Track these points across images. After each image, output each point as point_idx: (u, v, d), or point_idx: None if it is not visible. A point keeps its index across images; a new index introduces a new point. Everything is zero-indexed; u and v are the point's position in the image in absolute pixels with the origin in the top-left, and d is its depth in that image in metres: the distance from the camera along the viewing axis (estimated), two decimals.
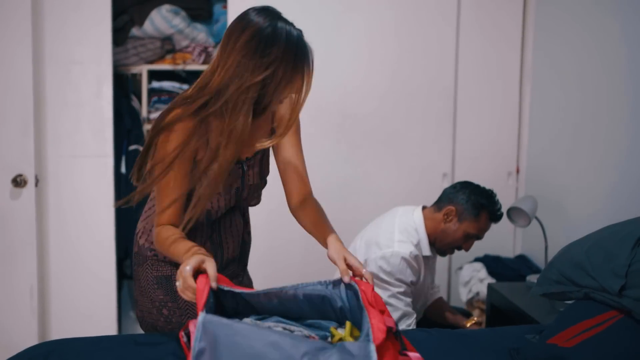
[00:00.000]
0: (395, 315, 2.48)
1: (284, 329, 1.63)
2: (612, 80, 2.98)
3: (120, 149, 3.76)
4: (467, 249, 2.70)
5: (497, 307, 2.98)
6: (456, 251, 2.73)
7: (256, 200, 2.08)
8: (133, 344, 2.01)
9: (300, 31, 1.84)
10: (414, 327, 2.52)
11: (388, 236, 2.59)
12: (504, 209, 3.16)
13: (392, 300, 2.50)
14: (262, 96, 1.79)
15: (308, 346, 1.44)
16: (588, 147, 3.19)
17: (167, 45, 3.92)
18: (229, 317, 1.59)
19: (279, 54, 1.75)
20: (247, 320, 1.64)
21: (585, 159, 3.21)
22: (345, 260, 1.78)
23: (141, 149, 3.66)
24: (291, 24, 1.81)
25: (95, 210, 3.65)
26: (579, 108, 3.28)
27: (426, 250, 2.65)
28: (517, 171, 3.93)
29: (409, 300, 2.55)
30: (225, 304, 1.72)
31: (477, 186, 2.71)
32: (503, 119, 3.91)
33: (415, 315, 2.57)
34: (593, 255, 1.87)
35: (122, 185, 3.75)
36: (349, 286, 1.70)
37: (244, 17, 1.79)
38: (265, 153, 2.04)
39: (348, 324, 1.69)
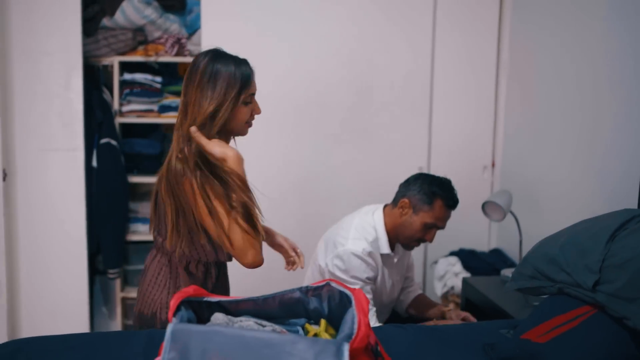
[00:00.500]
0: None
1: (256, 322, 1.60)
2: (589, 74, 2.98)
3: (91, 142, 3.69)
4: (430, 240, 2.67)
5: (472, 302, 2.97)
6: (429, 245, 2.73)
7: None
8: (102, 342, 1.97)
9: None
10: (375, 322, 2.52)
11: (344, 234, 2.62)
12: (479, 203, 3.16)
13: None
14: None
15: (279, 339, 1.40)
16: (564, 142, 3.18)
17: (139, 37, 3.85)
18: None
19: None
20: (219, 316, 1.60)
21: (561, 154, 3.21)
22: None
23: (113, 142, 3.64)
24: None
25: (66, 205, 3.58)
26: (556, 102, 3.28)
27: (385, 248, 2.65)
28: (493, 165, 3.93)
29: (368, 297, 2.56)
30: (202, 316, 1.68)
31: (431, 176, 2.71)
32: (479, 112, 3.90)
33: (374, 310, 2.57)
34: (567, 251, 1.86)
35: (94, 180, 3.68)
36: (340, 294, 1.66)
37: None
38: None
39: (323, 321, 1.66)
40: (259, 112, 2.10)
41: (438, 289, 3.55)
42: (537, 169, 3.44)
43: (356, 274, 2.55)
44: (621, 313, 1.64)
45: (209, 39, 3.63)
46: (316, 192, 3.73)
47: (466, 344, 1.96)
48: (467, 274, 3.47)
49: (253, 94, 2.08)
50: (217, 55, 2.08)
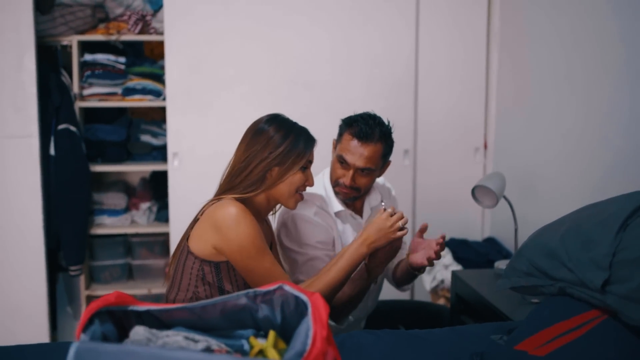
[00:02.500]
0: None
1: (186, 338, 1.30)
2: (587, 46, 2.71)
3: (48, 128, 3.39)
4: (346, 182, 2.27)
5: (462, 297, 2.69)
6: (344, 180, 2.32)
7: None
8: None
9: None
10: None
11: (301, 226, 2.29)
12: (471, 188, 2.87)
13: (305, 268, 2.22)
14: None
15: None
16: (561, 121, 2.90)
17: (100, 14, 3.54)
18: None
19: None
20: (139, 330, 1.31)
21: (559, 133, 2.93)
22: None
23: (72, 128, 3.35)
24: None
25: (20, 196, 3.30)
26: (551, 77, 2.99)
27: (336, 206, 2.33)
28: (485, 147, 3.64)
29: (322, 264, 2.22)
30: (129, 329, 1.38)
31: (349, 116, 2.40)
32: (469, 90, 3.61)
33: None
34: (569, 242, 1.56)
35: (52, 169, 3.38)
36: (295, 300, 1.37)
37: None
38: None
39: (272, 333, 1.36)
40: (312, 184, 2.09)
41: (427, 283, 3.26)
42: (533, 150, 3.15)
43: (306, 241, 2.25)
44: (637, 319, 1.34)
45: (172, 15, 3.34)
46: None
47: (451, 353, 1.67)
48: (458, 266, 3.19)
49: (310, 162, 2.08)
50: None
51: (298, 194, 2.05)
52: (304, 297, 1.35)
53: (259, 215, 2.04)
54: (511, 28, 3.42)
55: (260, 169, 1.97)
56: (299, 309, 1.36)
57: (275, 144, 1.98)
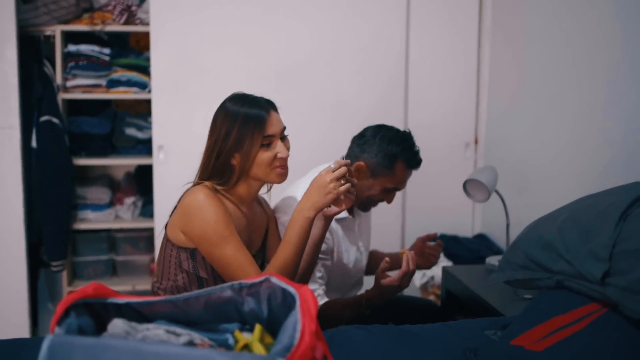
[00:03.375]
0: None
1: (168, 331, 1.24)
2: (582, 40, 2.65)
3: (30, 120, 3.31)
4: (389, 202, 2.34)
5: (453, 294, 2.63)
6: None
7: None
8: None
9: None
10: (321, 296, 2.16)
11: (290, 203, 2.23)
12: (461, 184, 2.83)
13: None
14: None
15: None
16: (553, 116, 2.86)
17: (84, 3, 3.46)
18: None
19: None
20: (117, 323, 1.24)
21: (550, 129, 2.88)
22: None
23: (54, 120, 3.26)
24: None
25: (1, 189, 3.23)
26: (544, 72, 2.94)
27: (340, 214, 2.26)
28: (476, 142, 3.59)
29: (319, 274, 2.19)
30: (107, 322, 1.31)
31: (389, 130, 2.32)
32: (460, 85, 3.56)
33: (321, 285, 2.19)
34: (567, 233, 1.51)
35: (33, 161, 3.30)
36: (283, 292, 1.30)
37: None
38: (264, 258, 2.09)
39: (258, 327, 1.30)
40: (283, 155, 1.90)
41: (417, 280, 3.21)
42: (524, 145, 3.11)
43: None
44: (638, 312, 1.28)
45: (158, 5, 3.27)
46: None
47: (444, 349, 1.61)
48: (448, 263, 3.14)
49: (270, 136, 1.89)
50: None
51: (277, 168, 1.90)
52: (291, 289, 1.29)
53: (243, 201, 1.96)
54: (503, 22, 3.37)
55: (222, 160, 1.88)
56: (287, 302, 1.30)
57: (226, 130, 1.87)
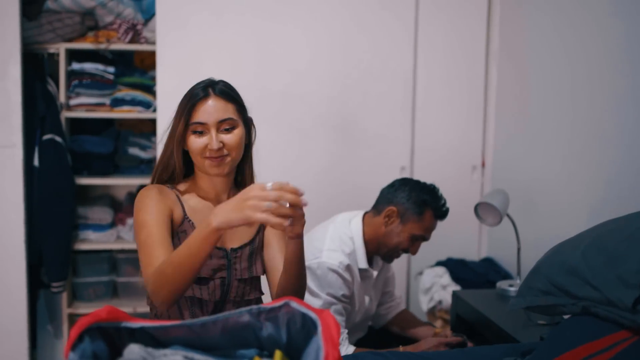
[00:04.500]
0: None
1: (186, 357, 1.19)
2: (588, 63, 2.64)
3: (32, 138, 3.27)
4: (414, 252, 2.40)
5: (463, 318, 2.58)
6: (414, 255, 2.39)
7: (253, 297, 1.86)
8: None
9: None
10: (347, 347, 2.16)
11: (318, 245, 2.28)
12: (468, 207, 2.80)
13: None
14: None
15: None
16: (562, 139, 2.83)
17: (89, 21, 3.43)
18: None
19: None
20: (134, 348, 1.19)
21: (559, 151, 2.85)
22: None
23: (57, 138, 3.22)
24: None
25: (2, 208, 3.19)
26: (552, 93, 2.92)
27: (362, 262, 2.33)
28: (483, 165, 3.56)
29: (341, 318, 2.24)
30: (122, 347, 1.26)
31: (417, 182, 2.43)
32: (467, 107, 3.53)
33: (346, 333, 2.24)
34: (592, 259, 1.47)
35: (35, 180, 3.25)
36: (302, 317, 1.26)
37: None
38: (255, 250, 1.87)
39: (278, 353, 1.25)
40: (213, 146, 1.73)
41: (424, 304, 3.16)
42: (532, 168, 3.08)
43: (331, 291, 2.21)
44: None
45: (164, 25, 3.25)
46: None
47: None
48: (456, 287, 3.09)
49: (200, 123, 1.75)
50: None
51: (207, 159, 1.75)
52: (312, 314, 1.24)
53: (209, 196, 1.84)
54: (510, 43, 3.36)
55: (168, 154, 1.80)
56: (306, 327, 1.26)
57: (171, 123, 1.80)
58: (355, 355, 1.68)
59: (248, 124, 1.86)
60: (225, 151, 1.75)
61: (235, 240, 1.84)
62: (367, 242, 2.34)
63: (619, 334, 1.33)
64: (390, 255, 2.39)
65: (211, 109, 1.74)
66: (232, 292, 1.81)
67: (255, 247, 1.87)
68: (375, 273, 2.42)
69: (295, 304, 1.26)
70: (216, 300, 1.79)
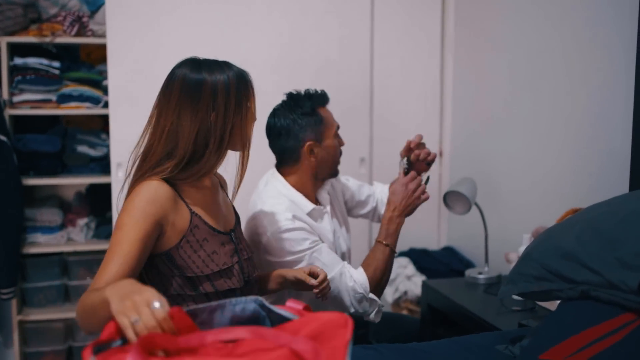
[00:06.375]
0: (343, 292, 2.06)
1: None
2: (545, 50, 2.67)
3: None
4: (342, 143, 2.29)
5: (435, 308, 2.58)
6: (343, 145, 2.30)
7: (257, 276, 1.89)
8: None
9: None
10: (361, 272, 2.09)
11: (257, 223, 2.12)
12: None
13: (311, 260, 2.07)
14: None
15: None
16: (519, 126, 2.86)
17: (32, 13, 3.28)
18: None
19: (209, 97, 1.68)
20: None
21: (518, 138, 2.89)
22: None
23: (2, 137, 3.06)
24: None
25: None
26: (508, 81, 2.95)
27: (306, 206, 2.18)
28: (441, 154, 3.57)
29: (332, 256, 2.10)
30: None
31: (290, 97, 2.30)
32: (424, 97, 3.54)
33: (346, 264, 2.11)
34: (588, 243, 1.47)
35: None
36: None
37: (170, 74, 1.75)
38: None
39: None
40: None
41: (389, 295, 3.15)
42: (490, 156, 3.10)
43: (302, 247, 2.06)
44: None
45: (115, 16, 3.12)
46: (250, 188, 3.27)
47: None
48: (421, 277, 3.09)
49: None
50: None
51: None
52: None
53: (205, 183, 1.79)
54: (466, 32, 3.38)
55: (189, 145, 1.67)
56: None
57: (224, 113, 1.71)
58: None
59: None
60: None
61: (229, 222, 1.83)
62: (300, 190, 2.20)
63: (622, 317, 1.33)
64: (335, 169, 2.28)
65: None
66: (245, 272, 1.79)
67: (239, 235, 1.87)
68: (327, 207, 2.29)
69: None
70: (242, 287, 1.76)
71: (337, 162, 2.28)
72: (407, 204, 2.18)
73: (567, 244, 1.52)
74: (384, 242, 2.13)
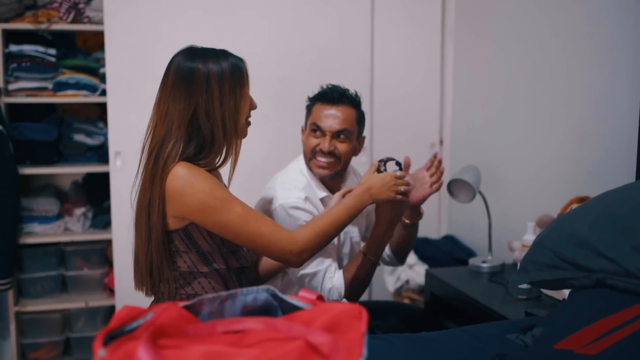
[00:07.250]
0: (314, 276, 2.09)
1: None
2: (545, 40, 2.64)
3: None
4: (324, 147, 2.17)
5: (438, 297, 2.56)
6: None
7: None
8: None
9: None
10: (339, 278, 2.07)
11: (270, 193, 2.17)
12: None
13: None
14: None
15: None
16: (519, 114, 2.84)
17: (27, 1, 3.22)
18: None
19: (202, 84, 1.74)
20: None
21: (516, 127, 2.87)
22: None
23: None
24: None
25: None
26: (509, 70, 2.93)
27: (320, 191, 2.20)
28: (441, 142, 3.55)
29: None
30: None
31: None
32: (424, 84, 3.51)
33: (332, 262, 2.10)
34: (602, 230, 1.45)
35: None
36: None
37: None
38: None
39: None
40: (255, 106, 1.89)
41: (390, 285, 3.13)
42: (490, 144, 3.09)
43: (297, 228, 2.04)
44: None
45: (112, 2, 3.07)
46: (248, 175, 3.24)
47: (471, 356, 1.53)
48: (424, 266, 3.07)
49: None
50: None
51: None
52: None
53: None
54: (466, 20, 3.35)
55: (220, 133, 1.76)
56: None
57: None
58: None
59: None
60: None
61: None
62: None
63: (639, 306, 1.31)
64: (316, 166, 2.21)
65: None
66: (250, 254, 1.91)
67: None
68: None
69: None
70: (250, 267, 1.87)
71: (306, 156, 2.24)
72: (382, 185, 1.96)
73: (581, 231, 1.50)
74: (368, 256, 2.09)
